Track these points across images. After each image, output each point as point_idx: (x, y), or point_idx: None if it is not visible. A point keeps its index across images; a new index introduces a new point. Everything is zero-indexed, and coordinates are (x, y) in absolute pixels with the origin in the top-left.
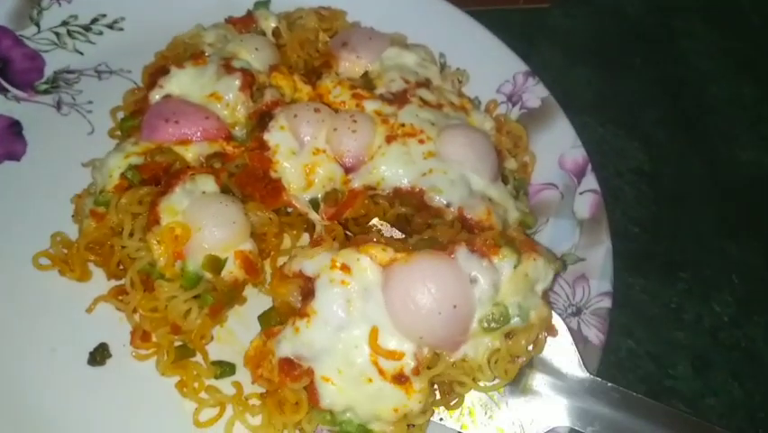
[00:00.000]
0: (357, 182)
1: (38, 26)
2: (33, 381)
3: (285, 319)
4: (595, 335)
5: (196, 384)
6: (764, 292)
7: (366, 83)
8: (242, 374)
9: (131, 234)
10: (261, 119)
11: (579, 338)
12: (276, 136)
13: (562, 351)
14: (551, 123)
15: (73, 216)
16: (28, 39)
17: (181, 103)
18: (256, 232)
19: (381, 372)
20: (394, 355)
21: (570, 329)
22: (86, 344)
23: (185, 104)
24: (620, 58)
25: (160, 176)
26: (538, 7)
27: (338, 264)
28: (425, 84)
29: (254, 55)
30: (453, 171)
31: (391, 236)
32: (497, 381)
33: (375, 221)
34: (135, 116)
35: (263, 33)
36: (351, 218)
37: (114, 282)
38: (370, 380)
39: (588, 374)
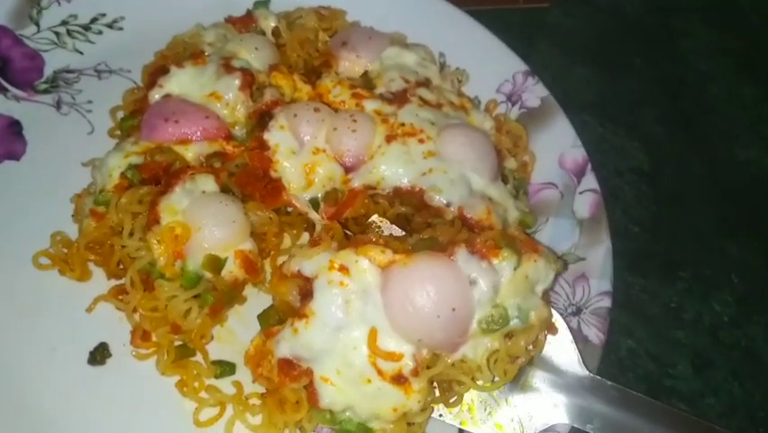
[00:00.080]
0: (357, 182)
1: (37, 26)
2: (33, 380)
3: (285, 318)
4: (595, 334)
5: (196, 384)
6: (764, 292)
7: (366, 82)
8: (243, 374)
9: (131, 234)
10: (261, 119)
11: (579, 338)
12: (276, 136)
13: (561, 349)
14: (550, 122)
15: (73, 215)
16: (28, 38)
17: (181, 102)
18: (256, 231)
19: (380, 372)
20: (393, 357)
21: (570, 329)
22: (86, 343)
23: (185, 103)
24: (620, 57)
25: (159, 175)
26: (538, 7)
27: (336, 265)
28: (425, 83)
29: (254, 54)
30: (453, 171)
31: (390, 234)
32: (496, 380)
33: (375, 218)
34: (135, 116)
35: (263, 33)
36: (351, 218)
37: (114, 282)
38: (369, 380)
39: (587, 372)
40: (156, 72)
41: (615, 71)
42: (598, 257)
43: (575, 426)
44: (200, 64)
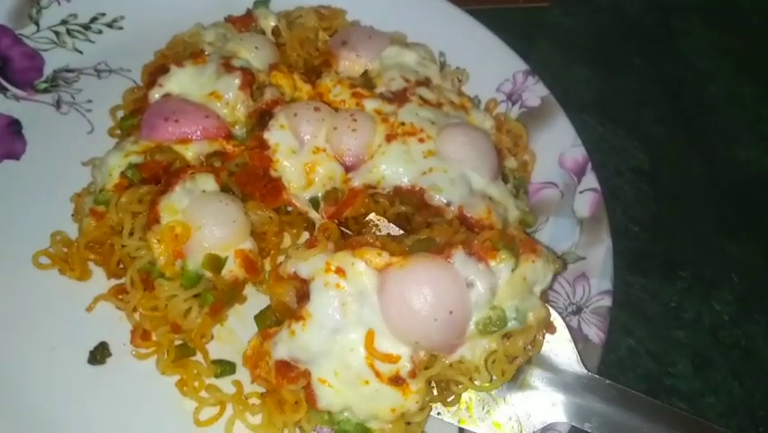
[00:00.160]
0: (357, 181)
1: (37, 25)
2: (34, 379)
3: (283, 318)
4: (595, 333)
5: (196, 383)
6: (764, 291)
7: (366, 82)
8: (243, 373)
9: (131, 233)
10: (261, 118)
11: (579, 337)
12: (276, 135)
13: (560, 347)
14: (551, 121)
15: (73, 214)
16: (27, 38)
17: (181, 102)
18: (256, 231)
19: (378, 374)
20: (390, 359)
21: (570, 328)
22: (86, 342)
23: (185, 102)
24: (620, 57)
25: (159, 175)
26: (538, 6)
27: (333, 268)
28: (425, 83)
29: (254, 54)
30: (453, 170)
31: (388, 233)
32: (494, 380)
33: (372, 216)
34: (135, 115)
35: (263, 32)
36: (350, 217)
37: (114, 281)
38: (367, 382)
39: (585, 371)
40: (156, 71)
41: (615, 71)
42: (599, 256)
43: (573, 424)
44: (200, 63)
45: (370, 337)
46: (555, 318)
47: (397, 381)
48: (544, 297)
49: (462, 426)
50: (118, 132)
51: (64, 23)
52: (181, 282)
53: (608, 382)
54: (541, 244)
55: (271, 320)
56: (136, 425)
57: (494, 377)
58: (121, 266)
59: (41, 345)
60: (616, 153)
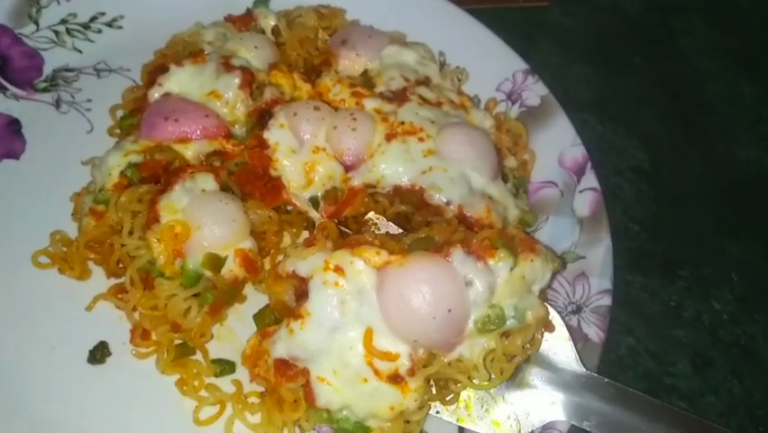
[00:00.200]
0: (357, 180)
1: (37, 24)
2: (33, 379)
3: (282, 317)
4: (595, 332)
5: (195, 382)
6: (764, 290)
7: (365, 81)
8: (242, 372)
9: (130, 233)
10: (261, 117)
11: (579, 336)
12: (275, 134)
13: (558, 346)
14: (550, 121)
15: (72, 214)
16: (27, 37)
17: (181, 101)
18: (256, 230)
19: (376, 372)
20: (389, 357)
21: (570, 327)
22: (85, 342)
23: (184, 102)
24: (620, 56)
25: (159, 174)
26: (538, 5)
27: (332, 266)
28: (425, 82)
29: (254, 53)
30: (453, 169)
31: (387, 232)
32: (492, 378)
33: (371, 215)
34: (134, 114)
35: (262, 32)
36: (350, 216)
37: (113, 281)
38: (366, 380)
39: (584, 369)
40: (155, 71)
41: (614, 70)
42: (598, 255)
43: (572, 423)
44: (200, 63)
45: (368, 336)
46: (554, 317)
47: (395, 379)
48: (543, 296)
49: (461, 424)
50: (118, 131)
51: (64, 22)
52: (181, 282)
53: (606, 380)
54: (540, 243)
55: (270, 319)
56: (136, 424)
57: (493, 376)
58: (120, 265)
59: (40, 344)
60: (615, 153)
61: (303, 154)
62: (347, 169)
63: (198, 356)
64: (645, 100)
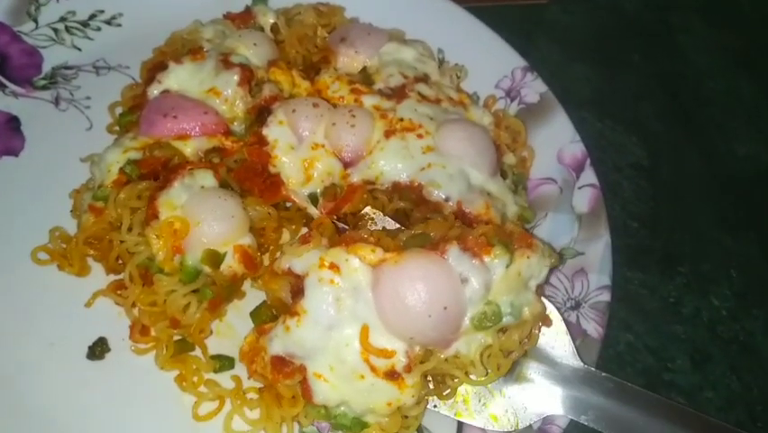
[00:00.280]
0: (356, 177)
1: (36, 22)
2: (32, 375)
3: (279, 313)
4: (594, 328)
5: (195, 378)
6: (763, 286)
7: (364, 78)
8: (241, 368)
9: (129, 229)
10: (260, 114)
11: (578, 332)
12: (274, 131)
13: (556, 340)
14: (549, 118)
15: (71, 210)
16: (26, 35)
17: (180, 98)
18: (255, 226)
19: (373, 368)
20: (385, 354)
21: (569, 323)
22: (85, 338)
23: (183, 99)
24: (618, 54)
25: (158, 171)
26: (536, 3)
27: (327, 264)
28: (424, 79)
29: (253, 50)
30: (452, 166)
31: (383, 227)
32: (489, 374)
33: (368, 209)
34: (133, 112)
35: (261, 29)
36: (349, 213)
37: (112, 277)
38: (362, 376)
39: (581, 363)
40: (154, 68)
41: (613, 67)
42: (597, 252)
43: (570, 417)
44: (199, 60)
45: (364, 332)
46: (551, 311)
47: (392, 375)
48: (541, 291)
49: (459, 419)
50: (117, 128)
51: (63, 20)
52: (180, 278)
53: (604, 374)
54: (537, 238)
55: (267, 316)
56: (135, 420)
57: (489, 371)
58: (120, 262)
59: (39, 340)
60: (614, 149)
61: (302, 151)
62: (346, 165)
63: (197, 352)
64: (644, 97)
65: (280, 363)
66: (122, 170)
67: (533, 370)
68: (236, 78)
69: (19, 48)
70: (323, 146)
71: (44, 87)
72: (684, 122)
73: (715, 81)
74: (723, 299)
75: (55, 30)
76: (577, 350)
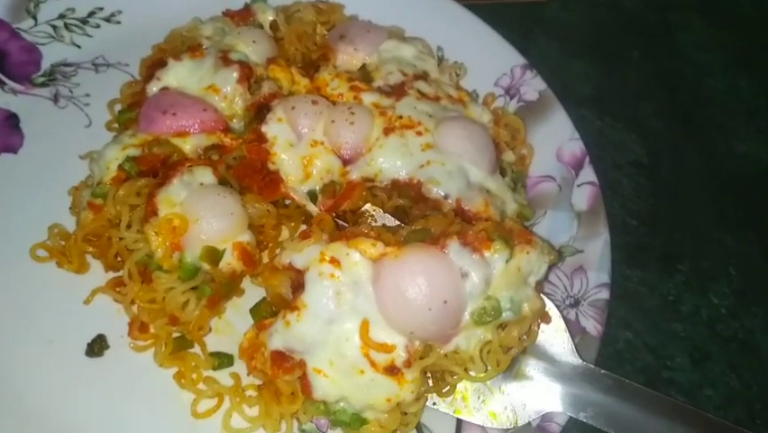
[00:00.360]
0: (355, 174)
1: (35, 19)
2: (31, 372)
3: (279, 310)
4: (593, 326)
5: (194, 375)
6: (762, 284)
7: (364, 75)
8: (240, 365)
9: (128, 226)
10: (259, 111)
11: (577, 329)
12: (274, 128)
13: (555, 337)
14: (549, 115)
15: (70, 207)
16: (25, 32)
17: (179, 95)
18: (254, 224)
19: (373, 363)
20: (385, 348)
21: (568, 320)
22: (83, 335)
23: (182, 96)
24: (618, 51)
25: (157, 168)
26: (536, 1)
27: (327, 258)
28: (423, 76)
29: (252, 48)
30: (451, 163)
31: (383, 224)
32: (489, 370)
33: (368, 206)
34: (132, 109)
35: (261, 26)
36: (348, 210)
37: (111, 274)
38: (362, 371)
39: (580, 361)
40: (154, 65)
41: (613, 65)
42: (597, 249)
43: (569, 414)
44: (198, 57)
45: (364, 327)
46: (550, 308)
47: (392, 370)
48: (540, 288)
49: (458, 416)
50: (116, 125)
51: (62, 17)
52: (179, 275)
53: (603, 371)
54: (536, 235)
55: (267, 312)
56: (134, 417)
57: (489, 367)
58: (118, 259)
59: (38, 337)
60: (614, 147)
61: (301, 148)
62: (345, 162)
63: (196, 349)
64: (644, 95)
65: (280, 358)
66: (121, 167)
67: (532, 367)
68: (235, 75)
69: (18, 45)
70: (322, 143)
71: (43, 85)
72: (684, 120)
73: (715, 79)
74: (722, 296)
75: (54, 27)
76: (576, 348)
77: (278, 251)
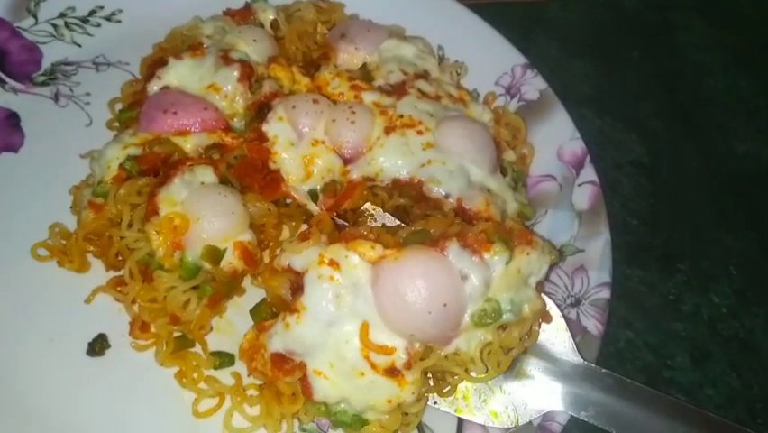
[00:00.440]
0: (356, 173)
1: (35, 18)
2: (32, 371)
3: (279, 311)
4: (594, 325)
5: (195, 375)
6: (762, 284)
7: (364, 75)
8: (241, 365)
9: (129, 225)
10: (260, 110)
11: (578, 329)
12: (274, 127)
13: (556, 337)
14: (549, 115)
15: (71, 207)
16: (25, 30)
17: (180, 94)
18: (255, 223)
19: (373, 365)
20: (385, 350)
21: (569, 320)
22: (84, 334)
23: (183, 95)
24: (618, 51)
25: (158, 167)
26: (536, 0)
27: (326, 260)
28: (424, 76)
29: (252, 47)
30: (452, 162)
31: (383, 224)
32: (490, 370)
33: (368, 205)
34: (133, 108)
35: (261, 26)
36: (349, 209)
37: (112, 273)
38: (363, 373)
39: (581, 360)
40: (154, 64)
41: (613, 65)
42: (597, 249)
43: (570, 413)
44: (199, 56)
45: (364, 329)
46: (551, 307)
47: (392, 372)
48: (541, 288)
49: (459, 415)
50: (117, 124)
51: (62, 15)
52: (180, 274)
53: (604, 370)
54: (537, 235)
55: (267, 313)
56: (135, 416)
57: (489, 368)
58: (119, 258)
59: (39, 337)
60: (614, 147)
61: (302, 147)
62: (346, 162)
63: (197, 349)
64: (644, 95)
65: (280, 360)
66: (121, 166)
67: (533, 366)
68: (236, 74)
69: (18, 44)
70: (323, 142)
71: (44, 84)
72: (684, 120)
73: (715, 79)
74: (723, 296)
75: (55, 26)
76: (577, 347)
77: (278, 251)
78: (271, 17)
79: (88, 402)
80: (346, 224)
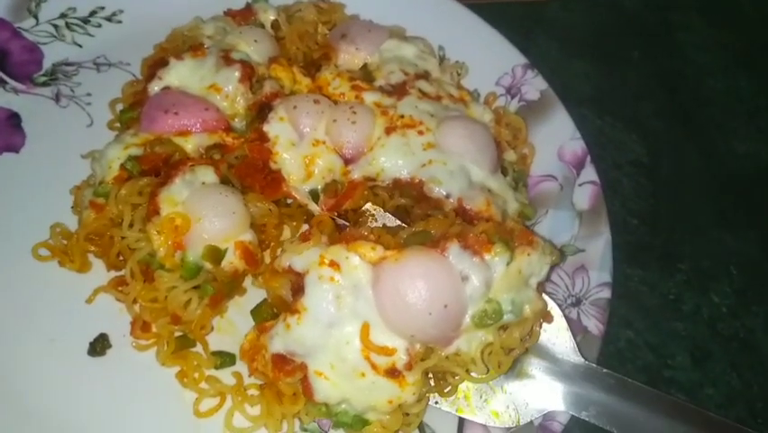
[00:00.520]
0: (357, 173)
1: (36, 18)
2: (33, 371)
3: (280, 311)
4: (594, 325)
5: (196, 374)
6: (762, 283)
7: (365, 75)
8: (242, 365)
9: (130, 225)
10: (261, 110)
11: (578, 328)
12: (275, 127)
13: (557, 337)
14: (550, 115)
15: (72, 207)
16: (26, 31)
17: (180, 94)
18: (256, 223)
19: (374, 366)
20: (386, 351)
21: (569, 319)
22: (86, 334)
23: (184, 95)
24: (618, 51)
25: (159, 167)
26: (537, 0)
27: (327, 261)
28: (424, 76)
29: (253, 47)
30: (453, 162)
31: (384, 224)
32: (491, 371)
33: (368, 206)
34: (134, 108)
35: (262, 26)
36: (350, 209)
37: (113, 273)
38: (363, 374)
39: (583, 360)
40: (155, 65)
41: (613, 65)
42: (598, 248)
43: (571, 413)
44: (199, 56)
45: (365, 330)
46: (552, 307)
47: (393, 373)
48: (542, 288)
49: (461, 415)
50: (117, 124)
51: (63, 16)
52: (181, 274)
53: (605, 370)
54: (538, 236)
55: (268, 314)
56: (136, 416)
57: (490, 369)
58: (120, 258)
59: (40, 336)
60: (614, 147)
61: (303, 147)
62: (347, 162)
63: (198, 348)
64: (644, 95)
65: (281, 361)
66: (123, 166)
67: (534, 366)
68: (237, 74)
69: (19, 44)
70: (324, 143)
71: (45, 84)
72: (684, 119)
73: (715, 79)
74: (723, 296)
75: (55, 26)
76: (578, 346)
77: (279, 251)
78: (272, 17)
79: (89, 402)
80: (347, 224)
